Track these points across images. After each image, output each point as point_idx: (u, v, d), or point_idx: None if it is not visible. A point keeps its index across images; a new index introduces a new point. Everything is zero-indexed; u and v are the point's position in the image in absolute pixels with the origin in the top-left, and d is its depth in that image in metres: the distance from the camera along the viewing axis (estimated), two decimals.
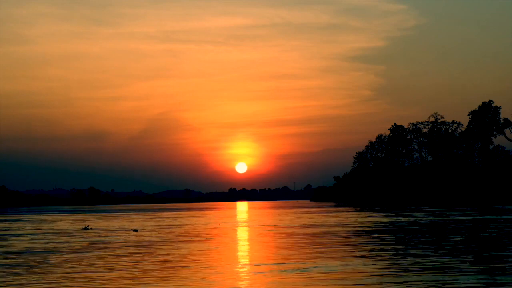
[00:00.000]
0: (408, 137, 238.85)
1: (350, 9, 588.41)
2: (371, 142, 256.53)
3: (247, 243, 44.17)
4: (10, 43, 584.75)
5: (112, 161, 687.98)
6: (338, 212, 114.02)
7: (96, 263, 32.21)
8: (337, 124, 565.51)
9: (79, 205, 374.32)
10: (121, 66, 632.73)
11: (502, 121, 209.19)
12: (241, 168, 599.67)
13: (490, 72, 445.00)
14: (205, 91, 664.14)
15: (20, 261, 33.94)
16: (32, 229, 70.79)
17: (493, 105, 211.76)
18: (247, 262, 31.00)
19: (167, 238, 50.52)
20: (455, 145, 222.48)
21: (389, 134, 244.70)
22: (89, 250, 40.38)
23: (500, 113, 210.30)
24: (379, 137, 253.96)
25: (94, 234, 58.45)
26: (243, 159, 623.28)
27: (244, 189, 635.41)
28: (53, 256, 36.35)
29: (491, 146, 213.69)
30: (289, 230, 56.94)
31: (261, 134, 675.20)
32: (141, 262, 32.36)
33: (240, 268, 28.87)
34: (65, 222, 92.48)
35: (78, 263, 32.16)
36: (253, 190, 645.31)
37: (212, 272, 27.82)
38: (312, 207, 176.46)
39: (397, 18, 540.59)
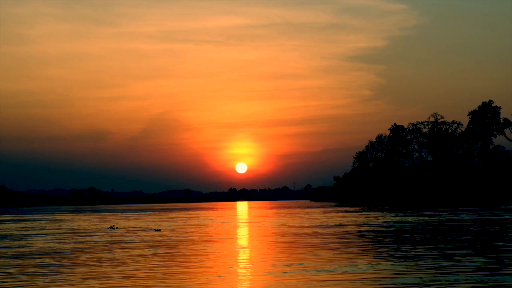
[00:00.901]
0: (408, 137, 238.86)
1: (350, 9, 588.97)
2: (371, 142, 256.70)
3: (277, 243, 43.77)
4: (10, 43, 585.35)
5: (112, 161, 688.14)
6: (350, 212, 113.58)
7: (135, 262, 32.27)
8: (337, 124, 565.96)
9: (79, 205, 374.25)
10: (121, 66, 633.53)
11: (502, 121, 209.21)
12: (241, 168, 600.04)
13: (490, 72, 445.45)
14: (205, 91, 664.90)
15: (65, 261, 33.82)
16: (55, 229, 70.73)
17: (493, 105, 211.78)
18: (289, 263, 30.57)
19: (191, 237, 50.73)
20: (455, 145, 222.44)
21: (389, 134, 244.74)
22: (124, 249, 40.43)
23: (500, 113, 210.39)
24: (379, 137, 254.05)
25: (121, 233, 58.64)
26: (243, 159, 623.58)
27: (244, 189, 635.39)
28: (94, 255, 36.51)
29: (491, 146, 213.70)
30: (313, 230, 56.63)
31: (261, 134, 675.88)
32: (178, 261, 32.64)
33: (284, 268, 28.61)
34: (85, 221, 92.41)
35: (119, 262, 32.26)
36: (253, 190, 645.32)
37: (253, 270, 28.02)
38: (317, 207, 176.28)
39: (397, 18, 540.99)
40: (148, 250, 39.26)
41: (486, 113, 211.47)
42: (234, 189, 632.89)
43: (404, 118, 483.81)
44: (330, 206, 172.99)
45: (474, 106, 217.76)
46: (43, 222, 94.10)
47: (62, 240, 50.12)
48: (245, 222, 77.71)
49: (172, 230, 63.36)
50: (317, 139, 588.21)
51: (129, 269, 29.38)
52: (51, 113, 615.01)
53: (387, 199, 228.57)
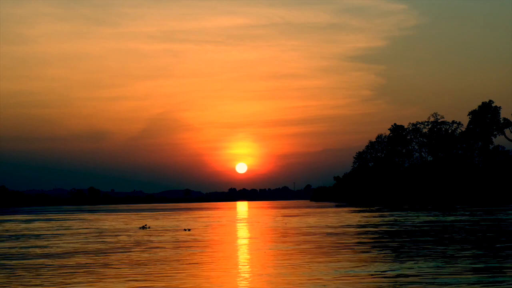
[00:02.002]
0: (408, 137, 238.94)
1: (350, 9, 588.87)
2: (371, 142, 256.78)
3: (316, 242, 43.87)
4: (10, 43, 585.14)
5: (112, 161, 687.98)
6: (361, 212, 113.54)
7: (179, 262, 32.52)
8: (337, 124, 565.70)
9: (79, 205, 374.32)
10: (121, 66, 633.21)
11: (502, 121, 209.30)
12: (241, 168, 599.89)
13: (490, 72, 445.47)
14: (205, 91, 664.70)
15: (105, 261, 33.95)
16: (86, 228, 70.98)
17: (493, 105, 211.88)
18: (347, 263, 30.69)
19: (224, 237, 51.07)
20: (455, 145, 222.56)
21: (389, 134, 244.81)
22: (164, 249, 40.63)
23: (500, 113, 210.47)
24: (379, 137, 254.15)
25: (157, 233, 58.92)
26: (243, 159, 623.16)
27: (244, 189, 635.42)
28: (133, 255, 36.63)
29: (491, 146, 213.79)
30: (336, 230, 56.67)
31: (261, 134, 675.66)
32: (221, 260, 33.13)
33: (325, 269, 28.76)
34: (112, 221, 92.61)
35: (162, 262, 32.49)
36: (253, 190, 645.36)
37: (297, 269, 28.43)
38: (318, 207, 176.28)
39: (397, 18, 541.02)
40: (195, 249, 39.67)
41: (486, 113, 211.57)
42: (234, 189, 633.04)
43: (404, 118, 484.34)
44: (331, 206, 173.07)
45: (474, 106, 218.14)
46: (70, 221, 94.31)
47: (104, 240, 50.41)
48: (271, 223, 77.09)
49: (200, 229, 63.90)
50: (317, 139, 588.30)
51: (197, 268, 29.87)
52: (51, 113, 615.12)
53: (387, 199, 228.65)
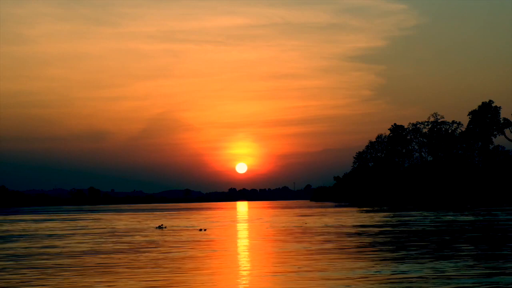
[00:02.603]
0: (408, 137, 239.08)
1: (350, 9, 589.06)
2: (371, 142, 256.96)
3: (338, 242, 43.87)
4: (10, 43, 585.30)
5: (112, 161, 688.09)
6: (370, 212, 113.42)
7: (206, 263, 32.61)
8: (337, 124, 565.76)
9: (79, 205, 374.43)
10: (121, 66, 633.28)
11: (502, 121, 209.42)
12: (241, 168, 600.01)
13: (490, 72, 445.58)
14: (205, 91, 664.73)
15: (127, 260, 34.03)
16: (102, 228, 71.11)
17: (493, 105, 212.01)
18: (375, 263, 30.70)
19: (244, 237, 51.13)
20: (455, 145, 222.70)
21: (389, 134, 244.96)
22: (187, 249, 40.69)
23: (500, 113, 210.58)
24: (379, 137, 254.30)
25: (171, 233, 59.09)
26: (243, 159, 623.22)
27: (244, 189, 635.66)
28: (155, 255, 36.72)
29: (491, 146, 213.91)
30: (356, 230, 56.73)
31: (261, 134, 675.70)
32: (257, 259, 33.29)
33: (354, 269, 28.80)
34: (128, 221, 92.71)
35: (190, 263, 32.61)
36: (253, 190, 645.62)
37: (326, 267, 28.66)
38: (319, 207, 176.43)
39: (397, 18, 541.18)
40: (216, 249, 39.78)
41: (486, 113, 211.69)
42: (234, 189, 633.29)
43: (404, 118, 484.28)
44: (331, 206, 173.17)
45: (474, 106, 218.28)
46: (85, 221, 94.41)
47: (123, 240, 50.53)
48: (288, 222, 76.73)
49: (216, 229, 63.96)
50: (317, 139, 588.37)
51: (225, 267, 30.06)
52: (51, 113, 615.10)
53: (387, 199, 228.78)
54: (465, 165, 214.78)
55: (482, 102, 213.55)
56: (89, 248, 42.20)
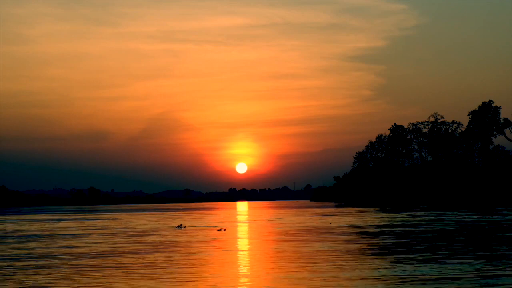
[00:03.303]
0: (408, 137, 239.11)
1: (350, 9, 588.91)
2: (371, 142, 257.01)
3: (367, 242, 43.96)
4: (10, 43, 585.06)
5: (112, 161, 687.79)
6: (380, 212, 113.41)
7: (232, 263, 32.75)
8: (337, 124, 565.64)
9: (79, 205, 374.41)
10: (121, 66, 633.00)
11: (502, 121, 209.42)
12: (241, 168, 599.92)
13: (490, 72, 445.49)
14: (205, 91, 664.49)
15: (146, 260, 34.08)
16: (122, 228, 71.32)
17: (493, 105, 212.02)
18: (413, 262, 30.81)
19: (268, 236, 51.21)
20: (455, 145, 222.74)
21: (389, 134, 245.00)
22: (212, 249, 40.78)
23: (500, 113, 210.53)
24: (379, 137, 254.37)
25: (191, 232, 59.15)
26: (243, 159, 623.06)
27: (244, 189, 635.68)
28: (178, 256, 36.75)
29: (491, 146, 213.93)
30: (376, 230, 56.74)
31: (261, 134, 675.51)
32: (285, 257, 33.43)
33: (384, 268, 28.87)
34: (146, 221, 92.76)
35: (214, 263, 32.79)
36: (253, 190, 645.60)
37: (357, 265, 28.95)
38: (319, 207, 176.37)
39: (397, 18, 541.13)
40: (240, 249, 39.82)
41: (486, 113, 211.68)
42: (234, 189, 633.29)
43: (404, 118, 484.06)
44: (332, 206, 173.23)
45: (474, 106, 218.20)
46: (102, 221, 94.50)
47: (144, 240, 50.66)
48: (310, 222, 76.64)
49: (234, 228, 64.11)
50: (317, 139, 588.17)
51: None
52: (51, 113, 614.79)
53: (387, 199, 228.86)
54: (465, 165, 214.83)
55: (482, 102, 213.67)
56: (112, 248, 42.23)
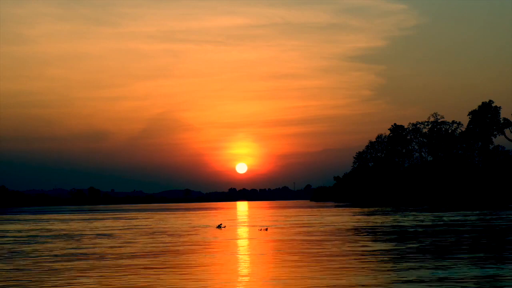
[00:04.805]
0: (408, 137, 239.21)
1: (350, 9, 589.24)
2: (371, 142, 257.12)
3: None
4: (10, 43, 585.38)
5: (112, 161, 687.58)
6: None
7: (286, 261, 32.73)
8: (337, 124, 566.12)
9: (79, 205, 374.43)
10: (121, 66, 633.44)
11: (502, 121, 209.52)
12: (241, 168, 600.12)
13: (490, 72, 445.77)
14: (205, 91, 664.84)
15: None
16: (164, 227, 71.53)
17: (493, 105, 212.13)
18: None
19: (314, 237, 51.06)
20: (455, 145, 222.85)
21: (389, 134, 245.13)
22: (264, 248, 40.77)
23: (500, 113, 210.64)
24: (379, 137, 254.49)
25: (234, 232, 59.38)
26: (243, 159, 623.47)
27: (244, 189, 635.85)
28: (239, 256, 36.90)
29: (491, 146, 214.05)
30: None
31: (261, 134, 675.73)
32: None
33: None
34: (181, 220, 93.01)
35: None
36: (253, 190, 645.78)
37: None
38: (320, 207, 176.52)
39: (397, 18, 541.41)
40: (295, 249, 39.62)
41: (486, 113, 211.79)
42: (234, 189, 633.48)
43: (404, 118, 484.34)
44: (332, 206, 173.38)
45: (474, 106, 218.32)
46: (139, 220, 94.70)
47: (190, 239, 51.07)
48: (348, 222, 75.94)
49: (276, 228, 63.75)
50: (317, 139, 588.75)
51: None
52: (51, 113, 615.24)
53: (387, 199, 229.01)
54: (465, 165, 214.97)
55: (482, 102, 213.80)
56: (163, 248, 42.26)
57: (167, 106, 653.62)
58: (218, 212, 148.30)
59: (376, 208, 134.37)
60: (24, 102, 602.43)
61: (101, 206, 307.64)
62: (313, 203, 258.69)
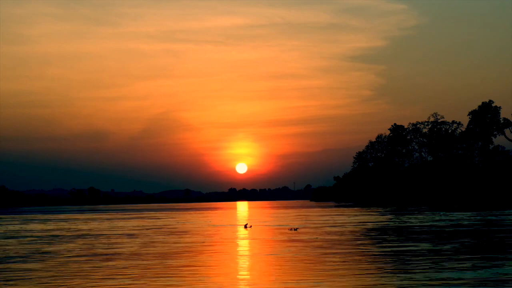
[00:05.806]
0: (408, 137, 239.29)
1: (350, 9, 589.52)
2: (371, 142, 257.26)
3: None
4: (10, 43, 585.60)
5: (112, 161, 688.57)
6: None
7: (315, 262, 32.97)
8: (337, 124, 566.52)
9: (79, 205, 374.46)
10: (121, 66, 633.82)
11: (502, 121, 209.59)
12: (241, 168, 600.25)
13: (490, 72, 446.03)
14: (205, 91, 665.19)
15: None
16: (191, 226, 71.90)
17: (493, 105, 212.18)
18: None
19: (336, 236, 51.11)
20: (455, 145, 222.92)
21: (389, 134, 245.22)
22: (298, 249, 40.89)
23: (500, 113, 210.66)
24: (379, 137, 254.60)
25: (261, 232, 59.29)
26: (243, 159, 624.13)
27: (244, 189, 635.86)
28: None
29: (491, 146, 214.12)
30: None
31: (261, 134, 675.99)
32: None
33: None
34: (200, 219, 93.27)
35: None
36: (253, 190, 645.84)
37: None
38: (320, 207, 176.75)
39: (397, 18, 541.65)
40: (327, 250, 39.63)
41: (486, 113, 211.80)
42: (234, 189, 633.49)
43: (404, 118, 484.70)
44: (332, 206, 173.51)
45: (474, 106, 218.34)
46: (163, 220, 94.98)
47: (221, 238, 51.12)
48: (373, 221, 75.87)
49: (307, 228, 63.48)
50: (317, 139, 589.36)
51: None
52: (51, 113, 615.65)
53: (387, 199, 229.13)
54: (465, 165, 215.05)
55: (482, 102, 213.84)
56: (200, 247, 42.61)
57: (167, 106, 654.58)
58: (219, 212, 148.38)
59: (403, 208, 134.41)
60: (24, 102, 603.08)
61: (101, 206, 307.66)
62: (313, 203, 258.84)
